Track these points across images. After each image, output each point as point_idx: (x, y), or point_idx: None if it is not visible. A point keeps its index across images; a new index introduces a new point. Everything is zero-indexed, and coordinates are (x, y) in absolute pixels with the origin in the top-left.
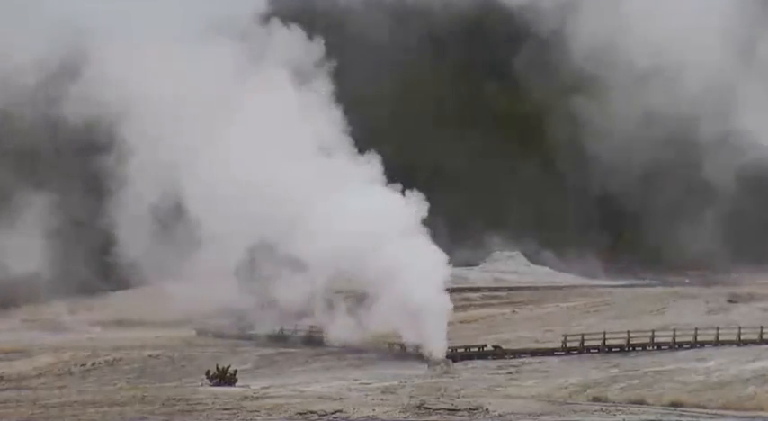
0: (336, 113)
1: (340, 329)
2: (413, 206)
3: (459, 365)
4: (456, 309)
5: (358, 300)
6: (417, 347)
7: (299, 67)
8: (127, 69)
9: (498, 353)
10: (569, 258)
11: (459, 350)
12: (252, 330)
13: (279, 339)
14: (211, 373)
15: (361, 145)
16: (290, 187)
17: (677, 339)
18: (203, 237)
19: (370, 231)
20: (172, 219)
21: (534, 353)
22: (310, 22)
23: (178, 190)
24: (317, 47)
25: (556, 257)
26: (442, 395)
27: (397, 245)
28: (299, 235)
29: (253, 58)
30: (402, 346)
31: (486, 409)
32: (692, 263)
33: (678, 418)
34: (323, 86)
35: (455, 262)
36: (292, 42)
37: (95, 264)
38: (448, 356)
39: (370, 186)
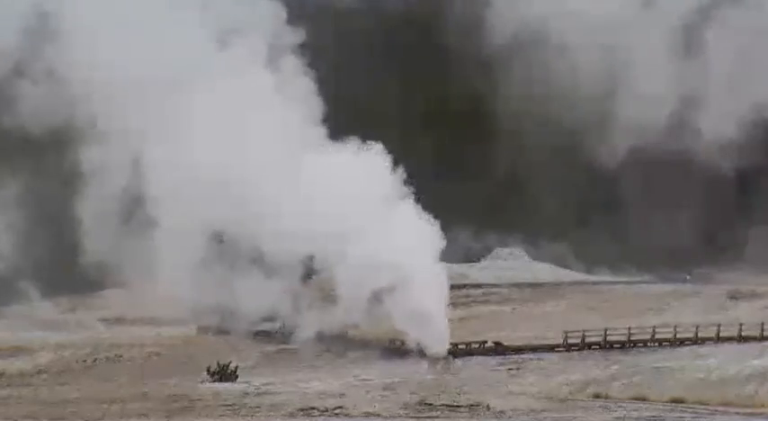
0: (313, 97)
1: (309, 325)
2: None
3: (459, 362)
4: (457, 305)
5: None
6: (396, 342)
7: (274, 43)
8: (90, 44)
9: (499, 349)
10: (542, 247)
11: (459, 347)
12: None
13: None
14: (212, 370)
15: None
16: (258, 174)
17: (678, 336)
18: (165, 231)
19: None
20: (135, 211)
21: (535, 349)
22: None
23: (140, 180)
24: (298, 30)
25: (533, 249)
26: (443, 392)
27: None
28: (266, 226)
29: (226, 32)
30: (402, 342)
31: (488, 406)
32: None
33: (679, 415)
34: (298, 67)
35: (455, 259)
36: (269, 16)
37: (62, 264)
38: (449, 353)
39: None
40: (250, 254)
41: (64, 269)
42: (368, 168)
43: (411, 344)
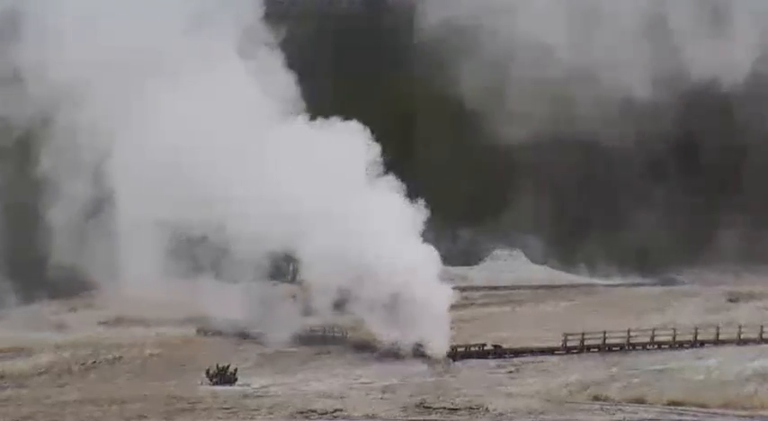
0: (286, 81)
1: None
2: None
3: (458, 364)
4: (456, 307)
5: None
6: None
7: (249, 28)
8: (56, 37)
9: (498, 351)
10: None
11: (459, 349)
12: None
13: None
14: (211, 372)
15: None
16: (224, 165)
17: (677, 338)
18: (130, 230)
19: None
20: (101, 212)
21: (534, 351)
22: None
23: (107, 179)
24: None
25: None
26: (443, 394)
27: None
28: (233, 220)
29: (196, 19)
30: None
31: (487, 408)
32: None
33: (678, 417)
34: (273, 53)
35: (455, 261)
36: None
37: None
38: (448, 355)
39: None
40: (217, 253)
41: (33, 272)
42: (344, 147)
43: (384, 344)
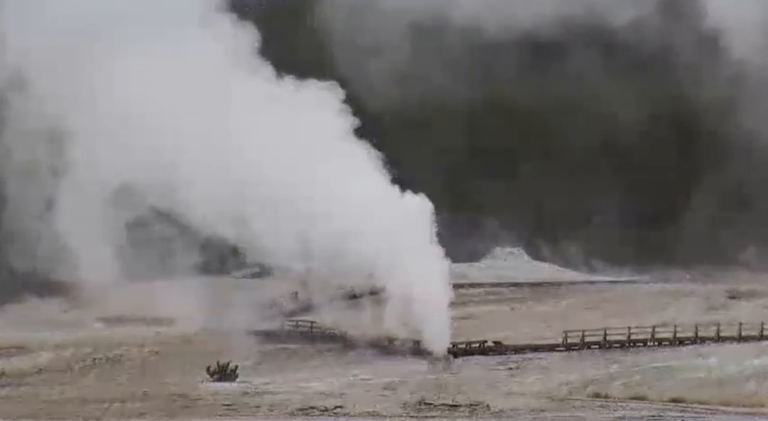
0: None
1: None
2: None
3: (459, 362)
4: (456, 305)
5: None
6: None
7: None
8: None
9: (499, 349)
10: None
11: (459, 346)
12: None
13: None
14: (212, 370)
15: None
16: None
17: (678, 336)
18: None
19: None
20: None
21: (535, 349)
22: None
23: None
24: None
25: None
26: (443, 391)
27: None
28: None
29: None
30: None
31: (487, 406)
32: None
33: (679, 414)
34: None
35: (456, 258)
36: None
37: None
38: (449, 352)
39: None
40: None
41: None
42: (311, 110)
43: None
